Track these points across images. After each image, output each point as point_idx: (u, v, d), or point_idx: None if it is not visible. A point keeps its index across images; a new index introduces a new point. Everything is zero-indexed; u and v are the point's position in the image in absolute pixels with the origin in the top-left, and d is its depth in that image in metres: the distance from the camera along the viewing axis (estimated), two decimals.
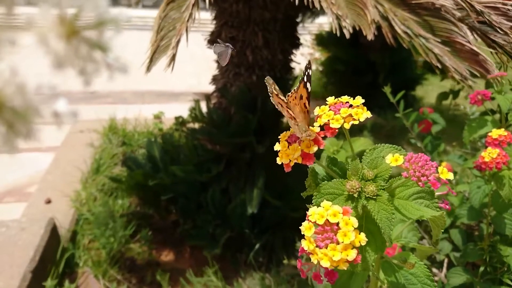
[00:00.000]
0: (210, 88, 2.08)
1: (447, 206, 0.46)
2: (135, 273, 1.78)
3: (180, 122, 2.60)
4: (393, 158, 0.42)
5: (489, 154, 0.71)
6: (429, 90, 4.26)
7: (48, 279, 1.57)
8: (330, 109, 0.43)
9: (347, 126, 0.42)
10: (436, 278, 1.05)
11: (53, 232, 1.76)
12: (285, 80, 1.99)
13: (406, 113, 1.22)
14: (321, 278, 0.39)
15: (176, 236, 1.93)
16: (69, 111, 0.19)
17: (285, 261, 1.48)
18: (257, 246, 1.77)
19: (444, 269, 1.06)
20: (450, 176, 0.41)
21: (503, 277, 0.83)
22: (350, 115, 0.42)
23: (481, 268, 0.86)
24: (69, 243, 1.84)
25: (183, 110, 2.57)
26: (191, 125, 2.32)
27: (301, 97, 0.44)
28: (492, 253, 0.85)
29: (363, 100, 0.43)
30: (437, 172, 0.41)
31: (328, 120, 0.42)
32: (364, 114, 0.42)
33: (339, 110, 0.43)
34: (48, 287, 1.54)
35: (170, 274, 1.73)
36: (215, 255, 1.78)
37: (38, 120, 0.19)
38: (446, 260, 1.09)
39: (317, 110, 0.44)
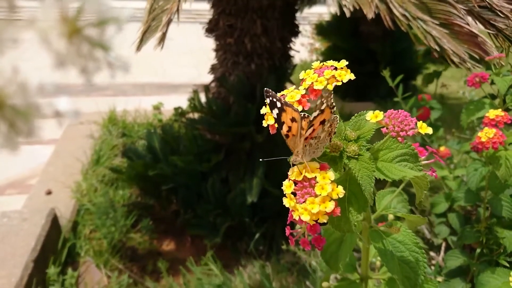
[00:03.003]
0: (210, 79, 2.07)
1: (434, 174, 0.46)
2: (136, 262, 1.79)
3: (179, 112, 2.59)
4: (373, 115, 0.43)
5: (485, 134, 0.71)
6: None
7: (51, 267, 1.58)
8: (314, 73, 0.44)
9: (330, 87, 0.42)
10: (433, 262, 1.05)
11: (54, 222, 1.77)
12: (284, 69, 1.98)
13: (405, 98, 1.22)
14: (309, 244, 0.40)
15: (176, 225, 1.94)
16: (70, 109, 0.19)
17: (284, 247, 1.49)
18: (257, 234, 1.78)
19: (442, 253, 1.06)
20: (429, 130, 0.42)
21: (499, 258, 0.83)
22: (333, 76, 0.42)
23: (478, 250, 0.87)
24: (70, 233, 1.85)
25: (182, 101, 2.57)
26: (190, 115, 2.32)
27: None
28: (488, 235, 0.85)
29: (347, 62, 0.43)
30: (416, 127, 0.42)
31: (312, 83, 0.43)
32: (347, 76, 0.42)
33: (323, 73, 0.43)
34: (50, 275, 1.56)
35: (171, 263, 1.75)
36: (216, 244, 1.79)
37: (38, 114, 0.19)
38: (444, 244, 1.09)
39: (302, 74, 0.45)
